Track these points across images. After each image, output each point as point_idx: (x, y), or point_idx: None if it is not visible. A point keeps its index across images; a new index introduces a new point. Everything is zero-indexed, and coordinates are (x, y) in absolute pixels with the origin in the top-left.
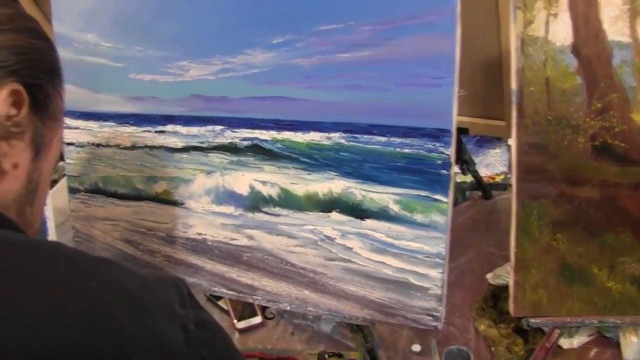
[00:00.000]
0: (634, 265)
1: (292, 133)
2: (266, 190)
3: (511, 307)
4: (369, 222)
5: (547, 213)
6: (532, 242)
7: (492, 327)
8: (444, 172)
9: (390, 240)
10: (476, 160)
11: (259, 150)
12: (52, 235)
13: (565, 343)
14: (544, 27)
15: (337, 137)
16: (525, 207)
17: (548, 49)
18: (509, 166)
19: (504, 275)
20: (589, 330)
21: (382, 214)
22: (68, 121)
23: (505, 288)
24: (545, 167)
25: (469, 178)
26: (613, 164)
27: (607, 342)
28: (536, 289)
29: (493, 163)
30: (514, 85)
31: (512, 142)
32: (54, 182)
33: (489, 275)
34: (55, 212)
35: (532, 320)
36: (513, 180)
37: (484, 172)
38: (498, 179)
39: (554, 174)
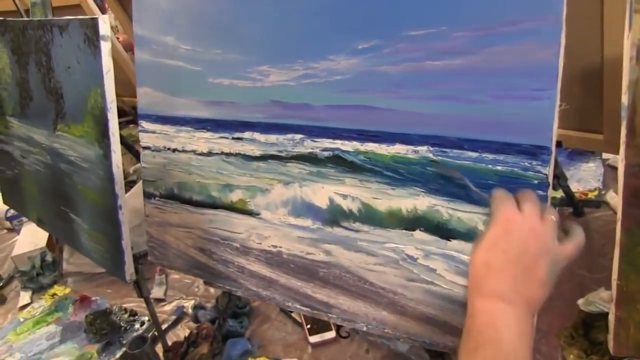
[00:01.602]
0: None
1: (376, 145)
2: (346, 204)
3: (611, 344)
4: (455, 243)
5: None
6: (637, 274)
7: (582, 358)
8: (541, 192)
9: None
10: (568, 174)
11: (340, 162)
12: (125, 238)
13: None
14: None
15: (424, 150)
16: (631, 236)
17: None
18: (603, 182)
19: (597, 302)
20: None
21: (470, 235)
22: (145, 124)
23: (598, 316)
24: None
25: (559, 193)
26: None
27: None
28: None
29: (586, 178)
30: (625, 99)
31: (619, 161)
32: (133, 183)
33: (580, 301)
34: (132, 213)
35: None
36: (619, 205)
37: (575, 187)
38: (591, 195)
39: None
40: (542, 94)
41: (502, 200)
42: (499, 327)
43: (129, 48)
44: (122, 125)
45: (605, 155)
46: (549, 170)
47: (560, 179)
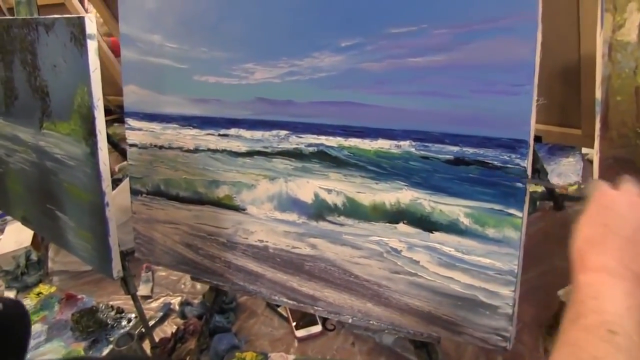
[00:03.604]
0: None
1: (359, 140)
2: (331, 199)
3: None
4: (438, 235)
5: None
6: None
7: None
8: (520, 185)
9: (459, 255)
10: (548, 169)
11: (324, 157)
12: (112, 235)
13: None
14: (635, 31)
15: (407, 145)
16: None
17: (639, 56)
18: (583, 176)
19: None
20: None
21: (452, 227)
22: (131, 122)
23: None
24: None
25: (540, 188)
26: None
27: None
28: None
29: (566, 172)
30: (598, 94)
31: (594, 154)
32: (118, 181)
33: (560, 292)
34: (118, 211)
35: None
36: None
37: (556, 181)
38: (571, 189)
39: None
40: (519, 89)
41: (596, 183)
42: (603, 298)
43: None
44: (107, 124)
45: (584, 150)
46: (527, 163)
47: (541, 174)
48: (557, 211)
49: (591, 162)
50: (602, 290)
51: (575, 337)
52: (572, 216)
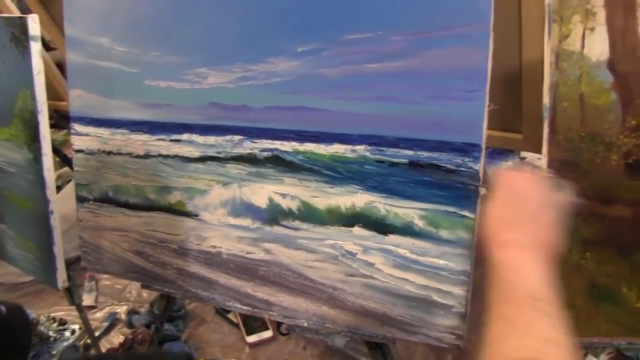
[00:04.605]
0: None
1: (314, 145)
2: (286, 203)
3: None
4: (393, 238)
5: (577, 232)
6: (560, 261)
7: None
8: (472, 187)
9: (414, 256)
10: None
11: (279, 162)
12: (57, 244)
13: None
14: (580, 41)
15: (362, 149)
16: None
17: (583, 64)
18: None
19: None
20: (607, 349)
21: (407, 230)
22: (77, 127)
23: None
24: (577, 185)
25: (482, 190)
26: None
27: None
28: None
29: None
30: (546, 100)
31: (542, 158)
32: (58, 189)
33: None
34: (61, 219)
35: None
36: None
37: None
38: None
39: (585, 192)
40: (473, 95)
41: (498, 170)
42: (522, 270)
43: None
44: None
45: (523, 154)
46: (480, 166)
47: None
48: None
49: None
50: (520, 264)
51: (505, 311)
52: None
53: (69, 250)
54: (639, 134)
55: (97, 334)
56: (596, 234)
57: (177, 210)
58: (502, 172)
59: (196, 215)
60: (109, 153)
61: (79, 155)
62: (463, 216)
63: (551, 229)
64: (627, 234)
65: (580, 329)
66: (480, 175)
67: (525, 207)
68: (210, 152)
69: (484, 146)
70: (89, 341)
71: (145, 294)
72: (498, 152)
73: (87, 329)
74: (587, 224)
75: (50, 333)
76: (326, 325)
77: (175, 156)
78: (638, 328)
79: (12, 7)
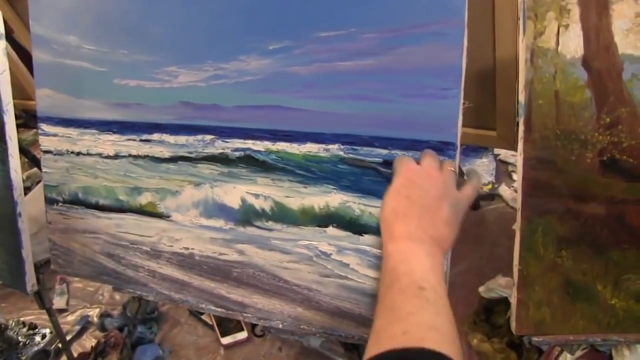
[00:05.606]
0: (639, 283)
1: (287, 144)
2: (259, 204)
3: (513, 324)
4: (367, 238)
5: (553, 229)
6: (536, 259)
7: (484, 342)
8: None
9: None
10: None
11: (251, 162)
12: (26, 247)
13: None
14: (554, 38)
15: (335, 148)
16: (530, 223)
17: (558, 62)
18: (496, 176)
19: (497, 288)
20: (582, 345)
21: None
22: (45, 127)
23: (498, 301)
24: (552, 183)
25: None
26: (621, 180)
27: (600, 355)
28: (539, 306)
29: (479, 173)
30: (522, 98)
31: (518, 155)
32: (27, 190)
33: (481, 289)
34: (30, 220)
35: (535, 339)
36: (518, 196)
37: None
38: (485, 189)
39: (560, 190)
40: (447, 93)
41: (403, 159)
42: (410, 261)
43: None
44: None
45: (496, 151)
46: (455, 164)
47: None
48: (473, 210)
49: (503, 162)
50: (409, 255)
51: (392, 300)
52: (487, 214)
53: (38, 253)
54: (613, 131)
55: (68, 337)
56: (571, 231)
57: (149, 212)
58: (404, 163)
59: (168, 217)
60: (78, 154)
61: (48, 156)
62: None
63: (446, 224)
64: (601, 231)
65: (556, 328)
66: (456, 173)
67: (420, 200)
68: (182, 152)
69: (459, 144)
70: (60, 345)
71: (117, 296)
72: (472, 149)
73: (58, 333)
74: (563, 222)
75: (20, 338)
76: (301, 326)
77: (145, 156)
78: (612, 324)
79: None
